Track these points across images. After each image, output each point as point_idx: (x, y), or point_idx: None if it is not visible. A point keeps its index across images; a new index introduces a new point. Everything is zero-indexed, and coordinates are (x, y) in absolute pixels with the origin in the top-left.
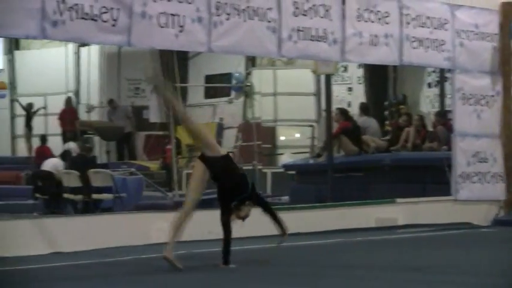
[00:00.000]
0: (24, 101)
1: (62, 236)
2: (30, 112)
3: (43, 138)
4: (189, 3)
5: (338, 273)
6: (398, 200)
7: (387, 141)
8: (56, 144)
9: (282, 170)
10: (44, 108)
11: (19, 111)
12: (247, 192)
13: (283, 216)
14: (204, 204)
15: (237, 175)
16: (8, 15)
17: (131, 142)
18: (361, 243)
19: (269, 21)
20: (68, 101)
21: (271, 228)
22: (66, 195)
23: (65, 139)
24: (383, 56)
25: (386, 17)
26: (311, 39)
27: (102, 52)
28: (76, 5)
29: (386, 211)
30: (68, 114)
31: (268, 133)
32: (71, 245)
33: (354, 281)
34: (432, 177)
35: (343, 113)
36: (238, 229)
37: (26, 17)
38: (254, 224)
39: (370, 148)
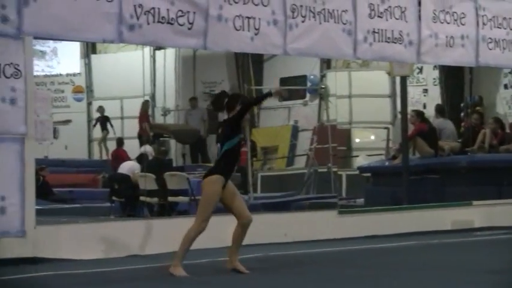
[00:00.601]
0: (100, 104)
1: (138, 238)
2: (102, 117)
3: (119, 141)
4: (265, 6)
5: (413, 274)
6: (475, 202)
7: (461, 142)
8: (132, 147)
9: (356, 172)
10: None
11: (96, 114)
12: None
13: (359, 218)
14: (279, 208)
15: None
16: (85, 19)
17: (204, 145)
18: (436, 246)
19: (344, 23)
20: (143, 104)
21: (344, 232)
22: (142, 198)
23: (141, 142)
24: (459, 57)
25: (463, 18)
26: (387, 41)
27: (178, 55)
28: (152, 9)
29: (463, 213)
30: (144, 118)
31: (343, 135)
32: (147, 247)
33: (430, 282)
34: (509, 179)
35: (419, 114)
36: (312, 231)
37: (103, 21)
38: (329, 227)
39: (445, 151)
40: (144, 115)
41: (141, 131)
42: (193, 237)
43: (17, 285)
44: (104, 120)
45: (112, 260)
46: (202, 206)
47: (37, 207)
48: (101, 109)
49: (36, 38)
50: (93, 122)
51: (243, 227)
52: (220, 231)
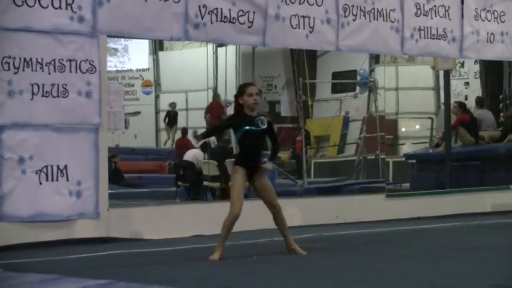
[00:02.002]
0: (167, 97)
1: (202, 220)
2: (172, 112)
3: (184, 131)
4: (319, 5)
5: (458, 254)
6: None
7: (501, 131)
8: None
9: (403, 159)
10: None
11: (163, 106)
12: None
13: (405, 201)
14: (331, 191)
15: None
16: (154, 19)
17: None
18: (478, 227)
19: (392, 22)
20: (215, 95)
21: (391, 214)
22: (205, 183)
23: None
24: (499, 52)
25: (503, 16)
26: (431, 38)
27: (238, 52)
28: (216, 9)
29: (502, 197)
30: (216, 108)
31: (391, 125)
32: (210, 228)
33: (474, 261)
34: None
35: (461, 105)
36: (361, 214)
37: (171, 20)
38: (377, 209)
39: (485, 140)
40: (218, 106)
41: (212, 120)
42: (227, 223)
43: (92, 262)
44: (173, 116)
45: (178, 239)
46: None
47: (110, 191)
48: (172, 105)
49: (109, 36)
50: (164, 116)
51: (273, 216)
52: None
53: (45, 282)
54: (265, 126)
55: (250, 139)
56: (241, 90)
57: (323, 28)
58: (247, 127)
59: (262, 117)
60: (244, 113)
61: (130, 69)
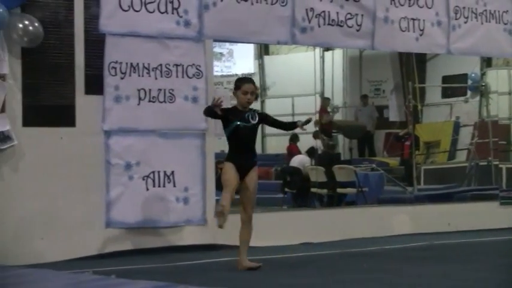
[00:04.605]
0: (273, 102)
1: (310, 227)
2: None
3: (291, 137)
4: (429, 8)
5: None
6: None
7: None
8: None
9: None
10: None
11: (268, 111)
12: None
13: None
14: (442, 198)
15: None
16: (261, 23)
17: (371, 140)
18: None
19: (505, 23)
20: (322, 101)
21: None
22: (313, 190)
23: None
24: None
25: None
26: None
27: (345, 55)
28: (323, 12)
29: None
30: (322, 113)
31: (504, 130)
32: (318, 236)
33: None
34: None
35: None
36: (474, 221)
37: (277, 25)
38: (491, 217)
39: None
40: (323, 112)
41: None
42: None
43: (199, 269)
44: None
45: (284, 247)
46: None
47: (217, 197)
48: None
49: (215, 40)
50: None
51: (242, 224)
52: (381, 220)
53: None
54: (255, 121)
55: (240, 134)
56: (236, 85)
57: (433, 31)
58: (238, 122)
59: (253, 111)
60: (236, 108)
61: (236, 74)
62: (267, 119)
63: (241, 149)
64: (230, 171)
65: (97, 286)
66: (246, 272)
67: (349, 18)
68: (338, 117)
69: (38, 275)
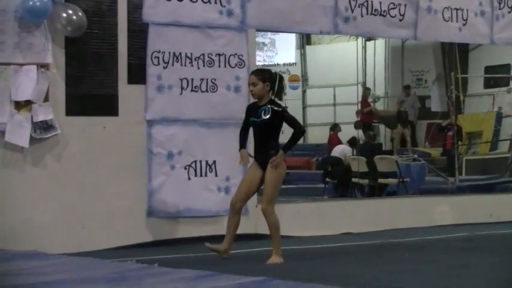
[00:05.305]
0: (314, 92)
1: (351, 217)
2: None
3: (333, 126)
4: None
5: None
6: None
7: None
8: (344, 131)
9: None
10: None
11: (309, 101)
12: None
13: None
14: (484, 189)
15: None
16: (304, 12)
17: (413, 130)
18: None
19: None
20: (363, 91)
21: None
22: (354, 180)
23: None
24: None
25: None
26: None
27: (387, 45)
28: (366, 1)
29: None
30: (364, 105)
31: None
32: (360, 226)
33: None
34: None
35: None
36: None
37: (320, 14)
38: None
39: None
40: (364, 102)
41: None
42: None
43: (242, 258)
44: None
45: (325, 237)
46: None
47: None
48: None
49: (258, 30)
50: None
51: (235, 212)
52: (422, 211)
53: (201, 279)
54: (266, 117)
55: (254, 130)
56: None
57: (477, 21)
58: (251, 118)
59: (268, 106)
60: (255, 103)
61: (277, 64)
62: (283, 117)
63: (256, 144)
64: (247, 172)
65: (141, 275)
66: (286, 261)
67: (392, 8)
68: (379, 107)
69: (82, 263)
